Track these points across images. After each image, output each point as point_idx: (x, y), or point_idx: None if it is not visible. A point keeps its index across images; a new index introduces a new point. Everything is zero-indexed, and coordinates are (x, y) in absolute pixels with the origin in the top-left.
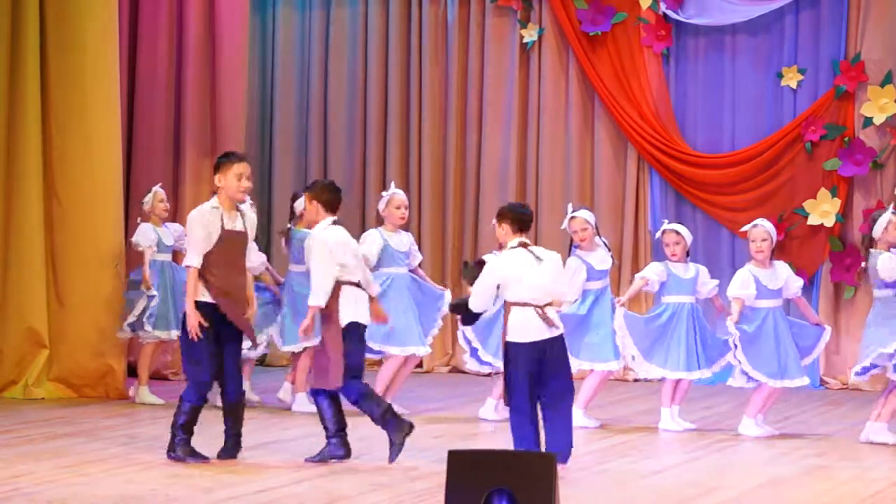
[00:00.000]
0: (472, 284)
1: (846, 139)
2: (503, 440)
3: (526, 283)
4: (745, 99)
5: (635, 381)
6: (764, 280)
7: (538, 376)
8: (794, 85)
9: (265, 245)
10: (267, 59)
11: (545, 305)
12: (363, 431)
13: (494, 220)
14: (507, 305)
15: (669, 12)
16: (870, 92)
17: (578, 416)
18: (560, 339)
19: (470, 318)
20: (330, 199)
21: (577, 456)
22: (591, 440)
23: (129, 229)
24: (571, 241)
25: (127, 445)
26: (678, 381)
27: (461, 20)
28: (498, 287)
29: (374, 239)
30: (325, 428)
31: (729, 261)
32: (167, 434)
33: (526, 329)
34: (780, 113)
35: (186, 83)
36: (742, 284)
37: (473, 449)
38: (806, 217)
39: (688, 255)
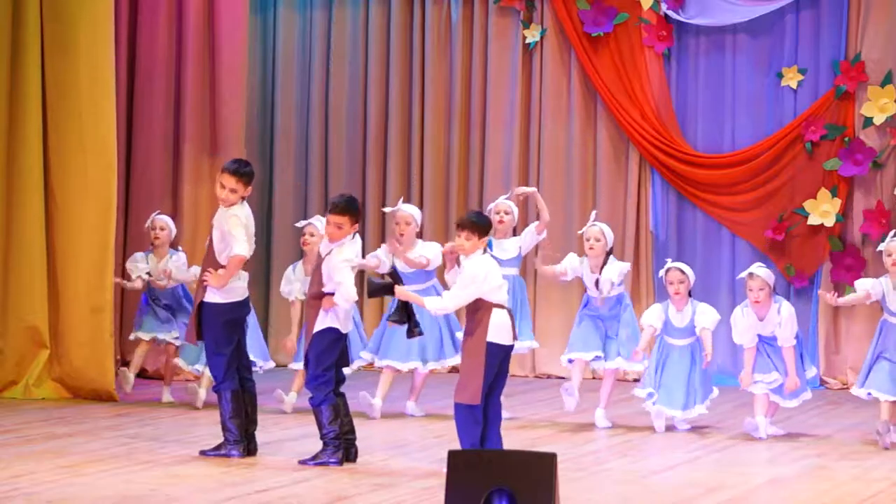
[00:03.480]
0: (371, 296)
1: (846, 139)
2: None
3: (500, 286)
4: (746, 99)
5: (635, 380)
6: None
7: (495, 378)
8: (794, 85)
9: (265, 245)
10: (268, 59)
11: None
12: (363, 432)
13: (464, 232)
14: (487, 306)
15: (670, 13)
16: (870, 92)
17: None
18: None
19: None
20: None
21: (578, 456)
22: (592, 440)
23: (128, 229)
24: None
25: (127, 445)
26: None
27: (463, 20)
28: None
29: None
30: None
31: (729, 261)
32: (167, 434)
33: (503, 332)
34: (781, 113)
35: (186, 83)
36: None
37: (473, 449)
38: (806, 217)
39: (690, 294)
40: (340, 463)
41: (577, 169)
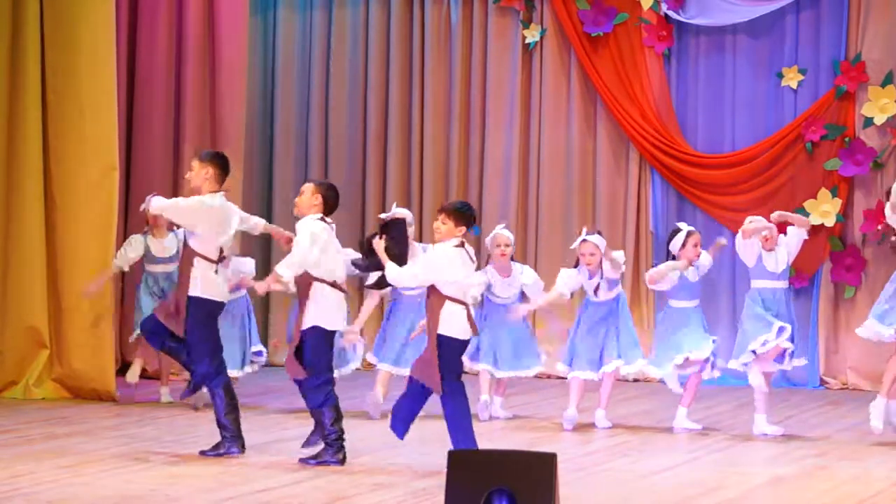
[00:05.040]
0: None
1: (847, 139)
2: (503, 440)
3: (461, 283)
4: (746, 99)
5: (635, 380)
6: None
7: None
8: (794, 85)
9: (266, 243)
10: (268, 59)
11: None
12: (364, 432)
13: (441, 215)
14: (439, 297)
15: (671, 13)
16: (870, 92)
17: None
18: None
19: (382, 282)
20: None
21: (578, 456)
22: (592, 440)
23: (128, 229)
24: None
25: (127, 445)
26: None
27: (463, 20)
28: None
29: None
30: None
31: (730, 261)
32: (167, 434)
33: (457, 326)
34: (781, 113)
35: (186, 83)
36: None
37: (473, 449)
38: (807, 217)
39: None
40: (341, 463)
41: (577, 169)
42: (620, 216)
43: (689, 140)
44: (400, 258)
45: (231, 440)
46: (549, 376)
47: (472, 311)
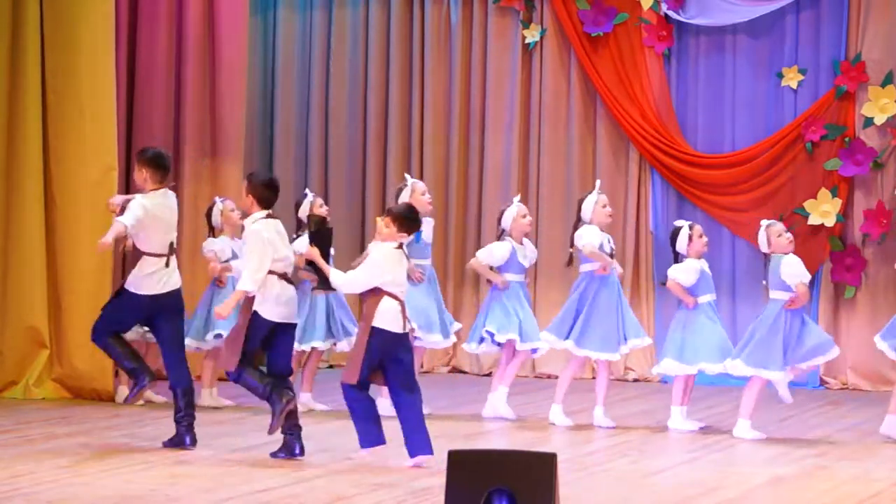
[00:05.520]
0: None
1: (847, 139)
2: (503, 440)
3: (398, 282)
4: (746, 99)
5: (635, 380)
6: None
7: (384, 366)
8: (794, 85)
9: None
10: (268, 60)
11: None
12: None
13: (387, 218)
14: (378, 293)
15: (670, 13)
16: (870, 92)
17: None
18: (406, 336)
19: (327, 284)
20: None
21: (578, 456)
22: (592, 440)
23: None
24: None
25: (127, 445)
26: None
27: (463, 20)
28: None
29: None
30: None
31: (730, 261)
32: (167, 434)
33: (392, 320)
34: (781, 113)
35: (186, 83)
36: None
37: (473, 449)
38: (806, 217)
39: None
40: (290, 403)
41: (577, 169)
42: (620, 216)
43: (689, 140)
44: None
45: (140, 373)
46: (548, 376)
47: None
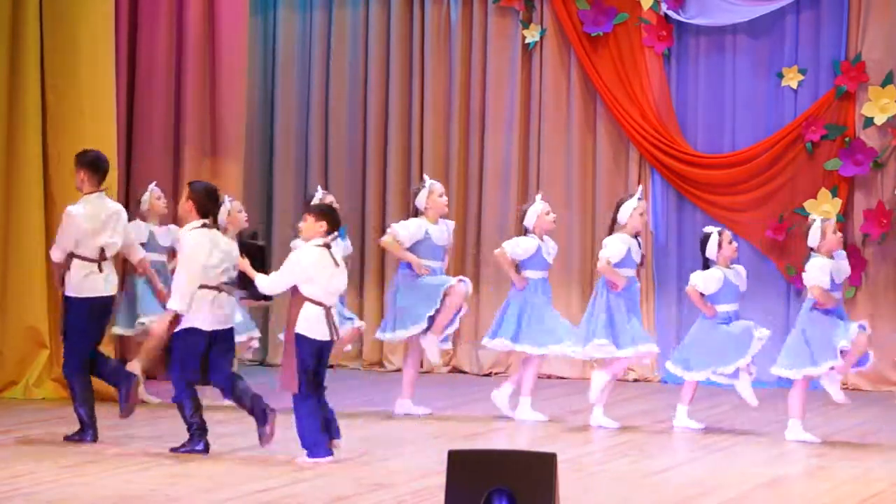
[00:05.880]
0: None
1: (847, 139)
2: (503, 440)
3: (322, 285)
4: (746, 99)
5: (635, 381)
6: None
7: (314, 372)
8: (794, 85)
9: (267, 244)
10: (268, 59)
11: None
12: (363, 432)
13: (309, 216)
14: (300, 297)
15: (670, 13)
16: (870, 92)
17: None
18: (332, 343)
19: (257, 294)
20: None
21: (578, 456)
22: (592, 440)
23: None
24: None
25: (127, 445)
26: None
27: (463, 20)
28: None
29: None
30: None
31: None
32: (167, 434)
33: (315, 326)
34: (781, 113)
35: (186, 83)
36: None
37: (473, 449)
38: (807, 217)
39: None
40: (206, 450)
41: (577, 169)
42: None
43: (689, 140)
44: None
45: (87, 428)
46: (549, 376)
47: (334, 313)
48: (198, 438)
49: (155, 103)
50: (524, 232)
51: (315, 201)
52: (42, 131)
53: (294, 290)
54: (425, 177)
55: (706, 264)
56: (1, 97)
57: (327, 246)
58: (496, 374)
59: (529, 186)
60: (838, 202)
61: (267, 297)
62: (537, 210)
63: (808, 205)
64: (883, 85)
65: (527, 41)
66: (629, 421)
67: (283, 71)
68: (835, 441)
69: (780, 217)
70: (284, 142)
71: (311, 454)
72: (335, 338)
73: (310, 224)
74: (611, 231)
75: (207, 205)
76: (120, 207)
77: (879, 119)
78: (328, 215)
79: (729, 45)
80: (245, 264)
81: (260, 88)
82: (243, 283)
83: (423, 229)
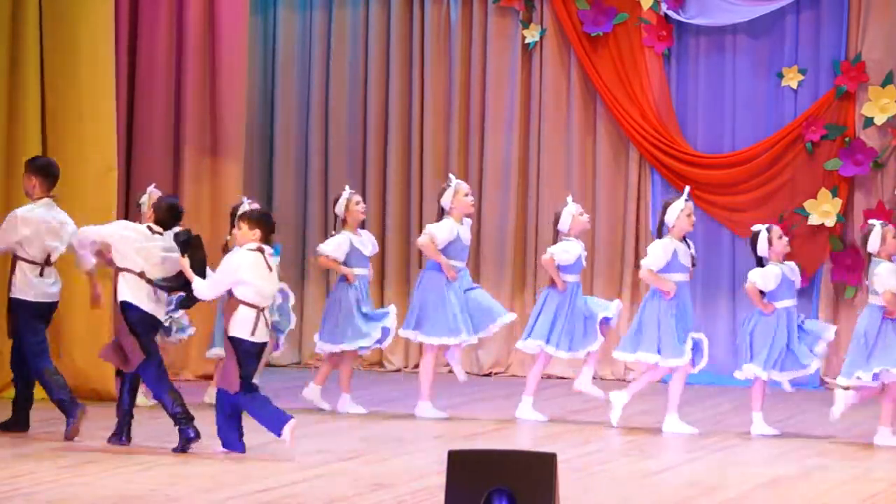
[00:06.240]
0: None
1: (847, 139)
2: (503, 440)
3: (256, 288)
4: (746, 99)
5: (635, 380)
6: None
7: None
8: (794, 85)
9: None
10: (268, 59)
11: (263, 308)
12: (363, 432)
13: (243, 223)
14: (234, 300)
15: (670, 13)
16: (870, 92)
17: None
18: (265, 344)
19: (191, 300)
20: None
21: (578, 456)
22: (592, 440)
23: None
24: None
25: (127, 445)
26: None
27: (463, 20)
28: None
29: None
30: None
31: (729, 261)
32: (167, 434)
33: (250, 328)
34: (781, 113)
35: (186, 83)
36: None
37: (473, 449)
38: (807, 217)
39: None
40: (197, 436)
41: (577, 169)
42: (620, 216)
43: (689, 140)
44: (201, 273)
45: (72, 408)
46: (549, 376)
47: (267, 315)
48: (185, 426)
49: (155, 103)
50: (556, 236)
51: (341, 201)
52: (42, 131)
53: (229, 293)
54: (451, 176)
55: (760, 262)
56: (1, 97)
57: (261, 250)
58: (496, 374)
59: (529, 186)
60: (838, 202)
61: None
62: (571, 211)
63: (808, 205)
64: (883, 85)
65: (527, 41)
66: (629, 421)
67: (283, 71)
68: (835, 441)
69: (781, 217)
70: (284, 142)
71: (278, 432)
72: (267, 340)
73: (244, 231)
74: (659, 234)
75: (164, 219)
76: (68, 220)
77: (879, 119)
78: (262, 222)
79: (729, 45)
80: (185, 265)
81: (260, 88)
82: (180, 284)
83: (454, 231)
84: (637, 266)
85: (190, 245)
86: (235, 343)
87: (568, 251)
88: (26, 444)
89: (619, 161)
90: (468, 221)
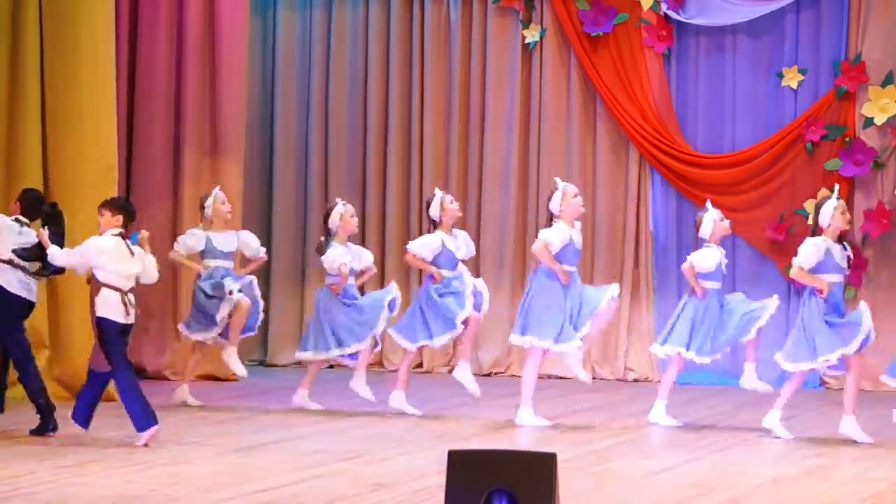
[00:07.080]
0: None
1: (847, 139)
2: (503, 440)
3: (117, 270)
4: (746, 99)
5: (635, 381)
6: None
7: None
8: (794, 85)
9: (266, 244)
10: (268, 59)
11: (129, 291)
12: (363, 431)
13: (105, 210)
14: (97, 283)
15: (670, 13)
16: (870, 92)
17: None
18: (132, 325)
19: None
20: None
21: (578, 456)
22: (592, 440)
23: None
24: None
25: (127, 445)
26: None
27: (463, 20)
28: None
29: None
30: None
31: (730, 261)
32: (167, 434)
33: (113, 309)
34: (781, 113)
35: (186, 83)
36: None
37: (473, 449)
38: (807, 217)
39: None
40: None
41: (577, 169)
42: (620, 216)
43: (689, 140)
44: (59, 245)
45: (48, 416)
46: (549, 376)
47: (130, 297)
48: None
49: (155, 103)
50: (698, 242)
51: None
52: (42, 131)
53: (93, 276)
54: (557, 180)
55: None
56: (1, 97)
57: (122, 236)
58: (496, 374)
59: (529, 186)
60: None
61: (55, 271)
62: (713, 216)
63: (809, 205)
64: (883, 85)
65: (527, 41)
66: (629, 421)
67: (283, 71)
68: (835, 441)
69: (781, 217)
70: (284, 142)
71: (139, 428)
72: (131, 320)
73: (107, 218)
74: (813, 234)
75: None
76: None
77: (879, 119)
78: (124, 209)
79: (729, 45)
80: (43, 235)
81: (260, 88)
82: (39, 254)
83: (567, 235)
84: (636, 266)
85: (52, 218)
86: (101, 323)
87: (707, 258)
88: (26, 444)
89: (619, 161)
90: (578, 224)
